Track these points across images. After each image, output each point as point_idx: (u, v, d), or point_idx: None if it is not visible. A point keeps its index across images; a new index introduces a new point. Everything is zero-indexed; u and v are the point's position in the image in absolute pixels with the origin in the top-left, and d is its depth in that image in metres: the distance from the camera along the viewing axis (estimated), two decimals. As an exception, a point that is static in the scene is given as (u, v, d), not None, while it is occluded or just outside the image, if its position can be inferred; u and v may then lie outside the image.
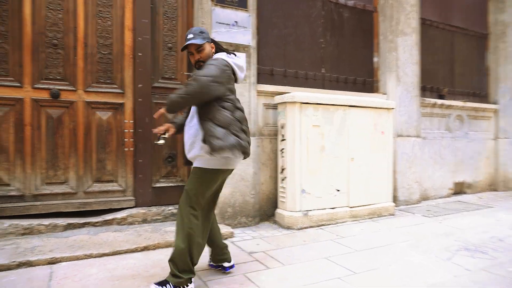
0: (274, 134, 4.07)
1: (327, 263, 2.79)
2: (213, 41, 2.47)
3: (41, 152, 3.24)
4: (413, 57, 5.02)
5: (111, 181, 3.51)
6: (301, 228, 3.70)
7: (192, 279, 2.26)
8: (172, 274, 2.20)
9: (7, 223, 3.04)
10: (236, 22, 3.76)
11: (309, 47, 4.44)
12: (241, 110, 2.33)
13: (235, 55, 2.42)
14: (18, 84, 3.16)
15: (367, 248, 3.13)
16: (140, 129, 3.59)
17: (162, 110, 2.29)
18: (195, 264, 2.27)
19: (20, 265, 2.63)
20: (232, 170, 2.39)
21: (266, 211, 4.04)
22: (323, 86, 4.52)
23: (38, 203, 3.22)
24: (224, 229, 3.44)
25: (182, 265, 2.19)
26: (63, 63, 3.31)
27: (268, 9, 4.16)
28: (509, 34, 6.08)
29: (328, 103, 3.88)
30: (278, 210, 3.91)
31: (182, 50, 2.40)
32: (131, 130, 3.57)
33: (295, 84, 4.32)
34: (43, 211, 3.22)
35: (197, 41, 2.30)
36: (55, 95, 3.25)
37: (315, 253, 3.00)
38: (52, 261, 2.72)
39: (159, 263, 2.73)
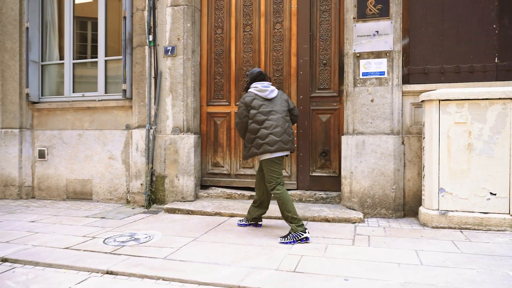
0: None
1: (410, 254, 2.93)
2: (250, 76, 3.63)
3: (239, 146, 4.95)
4: None
5: (281, 169, 4.78)
6: (436, 227, 3.65)
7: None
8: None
9: (219, 190, 4.93)
10: (377, 31, 4.16)
11: (476, 37, 4.05)
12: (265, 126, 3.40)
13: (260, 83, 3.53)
14: (228, 103, 4.99)
15: (478, 253, 2.90)
16: (301, 129, 4.67)
17: None
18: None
19: (216, 214, 4.36)
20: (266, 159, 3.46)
21: (413, 207, 4.14)
22: (496, 78, 3.99)
23: (237, 179, 4.95)
24: (355, 214, 4.00)
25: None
26: (252, 87, 4.89)
27: (420, 11, 4.20)
28: None
29: (477, 98, 3.57)
30: (420, 207, 3.95)
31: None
32: (295, 131, 4.71)
33: (455, 80, 4.09)
34: (239, 185, 4.92)
35: None
36: (247, 109, 4.87)
37: (413, 246, 3.13)
38: (232, 215, 4.29)
39: (285, 226, 3.76)
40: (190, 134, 4.86)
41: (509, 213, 3.53)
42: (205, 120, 5.09)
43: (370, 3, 4.18)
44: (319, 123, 4.60)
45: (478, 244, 3.14)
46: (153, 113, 4.97)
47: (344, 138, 4.28)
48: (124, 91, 5.08)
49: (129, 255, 2.98)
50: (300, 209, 4.30)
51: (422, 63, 4.22)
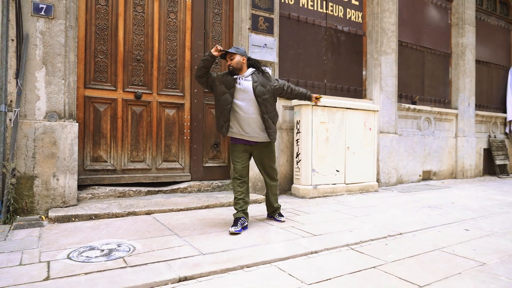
0: (290, 128, 5.39)
1: (337, 213, 4.12)
2: (248, 57, 3.55)
3: (128, 138, 4.42)
4: (392, 71, 6.45)
5: (174, 161, 4.72)
6: (312, 198, 5.03)
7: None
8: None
9: (107, 188, 4.22)
10: (265, 44, 5.06)
11: (315, 63, 5.79)
12: None
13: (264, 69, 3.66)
14: (114, 88, 4.34)
15: (361, 206, 4.50)
16: (195, 122, 4.82)
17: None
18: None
19: (128, 214, 3.82)
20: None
21: (284, 186, 5.35)
22: (325, 93, 5.88)
23: (126, 175, 4.41)
24: (259, 196, 4.72)
25: None
26: (144, 73, 4.51)
27: (286, 35, 5.48)
28: (467, 54, 7.66)
29: (331, 105, 5.24)
30: (294, 185, 5.22)
31: (222, 57, 3.46)
32: (189, 124, 4.80)
33: (305, 91, 5.64)
34: (129, 181, 4.41)
35: (231, 50, 3.45)
36: (138, 97, 4.45)
37: (327, 209, 4.33)
38: (148, 213, 3.92)
39: (221, 214, 3.97)
40: (73, 121, 3.89)
41: (345, 183, 5.41)
42: (82, 105, 4.17)
43: (261, 19, 5.02)
44: (212, 117, 4.92)
45: (353, 203, 4.73)
46: (12, 90, 3.58)
47: (239, 132, 4.88)
48: (-48, 51, 3.34)
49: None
50: (207, 197, 4.54)
51: (286, 76, 5.50)
